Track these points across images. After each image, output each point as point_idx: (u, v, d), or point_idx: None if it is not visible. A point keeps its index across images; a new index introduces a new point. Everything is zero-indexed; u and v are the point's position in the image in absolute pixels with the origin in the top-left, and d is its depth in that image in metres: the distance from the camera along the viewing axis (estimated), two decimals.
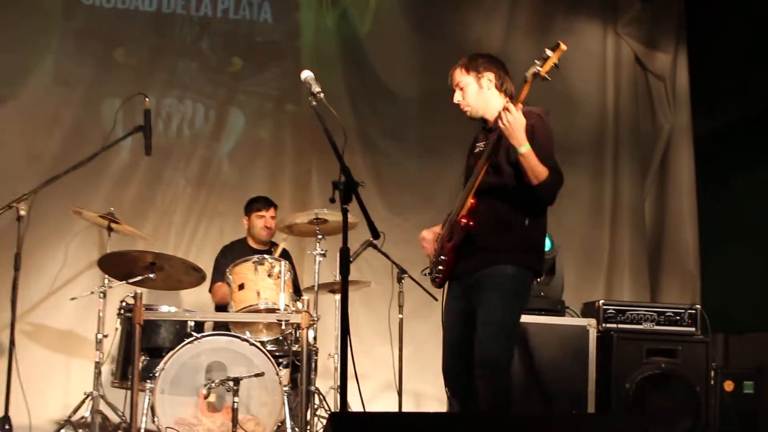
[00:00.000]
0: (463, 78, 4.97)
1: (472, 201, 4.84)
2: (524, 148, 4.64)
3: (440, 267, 4.98)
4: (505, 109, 4.64)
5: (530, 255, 4.88)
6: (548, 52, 4.61)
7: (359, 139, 8.66)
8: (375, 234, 4.47)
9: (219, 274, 7.00)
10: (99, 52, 8.39)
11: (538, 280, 5.49)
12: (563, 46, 4.63)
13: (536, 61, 4.63)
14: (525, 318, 6.49)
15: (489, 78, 4.92)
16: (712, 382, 6.50)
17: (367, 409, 6.48)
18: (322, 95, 4.79)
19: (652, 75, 9.47)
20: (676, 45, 9.44)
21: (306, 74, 4.86)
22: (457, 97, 5.02)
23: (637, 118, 9.34)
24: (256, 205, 7.30)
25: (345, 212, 4.42)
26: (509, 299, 4.79)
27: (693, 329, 6.64)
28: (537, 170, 4.65)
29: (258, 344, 5.90)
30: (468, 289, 4.88)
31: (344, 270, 4.37)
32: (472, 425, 4.02)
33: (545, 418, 4.83)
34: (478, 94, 4.94)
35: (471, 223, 4.81)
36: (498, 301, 4.77)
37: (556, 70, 4.65)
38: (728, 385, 6.84)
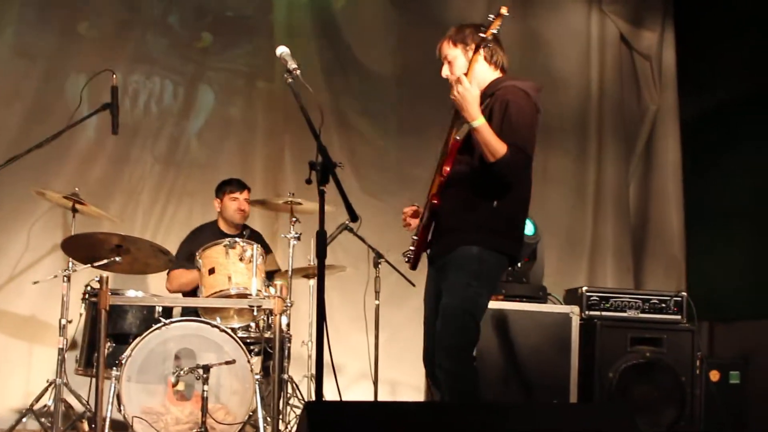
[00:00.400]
0: (450, 51, 4.92)
1: (441, 179, 4.84)
2: (477, 122, 4.61)
3: (411, 247, 5.01)
4: (457, 80, 4.66)
5: (499, 237, 4.79)
6: (491, 17, 4.64)
7: (334, 118, 8.66)
8: (353, 217, 4.47)
9: (181, 258, 6.98)
10: (62, 24, 8.31)
11: (518, 266, 5.47)
12: (503, 11, 4.63)
13: (482, 28, 4.69)
14: (505, 305, 6.54)
15: (470, 49, 4.85)
16: (698, 372, 6.54)
17: (342, 399, 6.51)
18: (298, 72, 4.78)
19: (637, 54, 9.52)
20: (663, 23, 9.48)
21: (281, 50, 4.85)
22: (445, 72, 4.96)
23: (622, 98, 9.38)
24: (229, 187, 7.26)
25: (322, 194, 4.42)
26: (471, 280, 4.72)
27: (679, 317, 6.68)
28: (492, 146, 4.58)
29: (229, 331, 5.90)
30: (439, 272, 4.88)
31: (321, 254, 4.37)
32: (449, 414, 4.03)
33: (526, 407, 4.85)
34: (467, 67, 4.82)
35: (435, 201, 4.83)
36: (460, 281, 4.73)
37: (497, 32, 4.68)
38: (714, 375, 6.90)
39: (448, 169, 4.81)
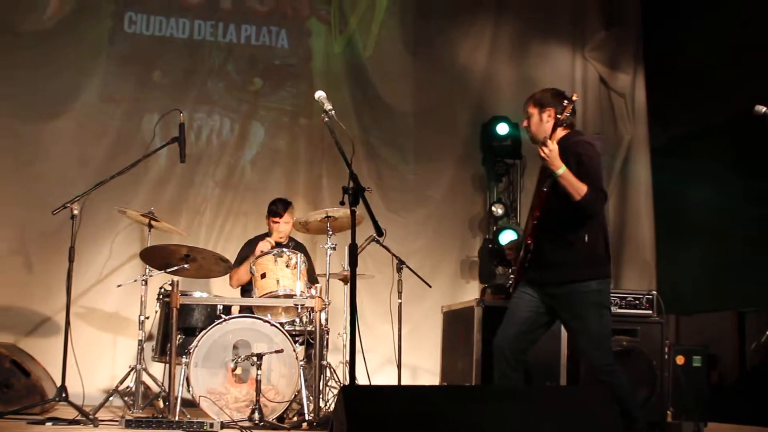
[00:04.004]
0: (530, 110, 5.03)
1: (533, 222, 4.92)
2: (561, 170, 4.73)
3: (512, 275, 5.15)
4: (544, 143, 4.76)
5: (602, 265, 4.95)
6: (565, 102, 4.81)
7: (364, 149, 8.67)
8: (379, 232, 4.50)
9: (237, 261, 7.00)
10: (139, 74, 8.43)
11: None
12: (575, 97, 4.86)
13: (558, 110, 4.85)
14: (507, 303, 6.51)
15: (549, 113, 4.96)
16: (666, 357, 6.51)
17: (371, 382, 6.52)
18: (332, 112, 4.83)
19: (614, 93, 9.48)
20: (635, 67, 9.46)
21: (319, 94, 4.90)
22: (524, 124, 5.07)
23: (602, 129, 9.33)
24: (272, 209, 7.08)
25: (353, 213, 4.46)
26: (601, 309, 4.88)
27: (650, 312, 6.61)
28: (576, 187, 4.71)
29: (277, 325, 5.90)
30: (551, 298, 4.95)
31: (353, 263, 4.40)
32: (461, 396, 4.05)
33: (524, 389, 4.85)
34: (539, 125, 4.98)
35: (529, 241, 4.92)
36: (593, 314, 4.86)
37: (570, 116, 4.81)
38: (680, 359, 6.85)
39: (537, 213, 4.90)
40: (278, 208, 7.05)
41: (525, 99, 5.11)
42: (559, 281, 4.88)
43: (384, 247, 6.91)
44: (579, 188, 4.70)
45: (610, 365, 4.87)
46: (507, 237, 8.45)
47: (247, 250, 7.05)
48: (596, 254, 4.90)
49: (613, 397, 4.12)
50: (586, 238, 4.85)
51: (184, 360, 5.84)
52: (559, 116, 4.79)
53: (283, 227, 7.02)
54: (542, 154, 4.77)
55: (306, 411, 5.73)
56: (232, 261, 6.78)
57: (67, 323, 5.82)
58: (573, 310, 4.88)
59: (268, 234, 7.23)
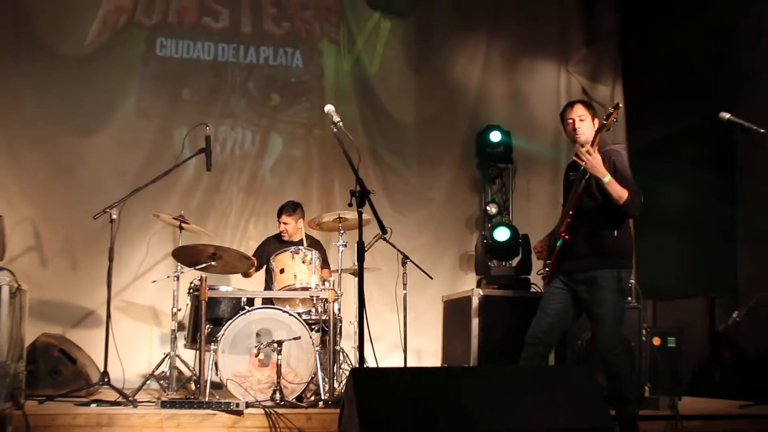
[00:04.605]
0: (585, 113, 5.01)
1: (568, 220, 4.97)
2: (607, 177, 4.78)
3: (546, 269, 5.16)
4: (587, 151, 4.78)
5: (627, 258, 5.01)
6: (610, 110, 4.77)
7: (370, 156, 8.72)
8: (383, 230, 4.55)
9: (255, 256, 7.11)
10: (170, 92, 8.48)
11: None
12: (621, 105, 4.85)
13: (603, 117, 4.81)
14: (499, 292, 6.54)
15: (596, 120, 5.00)
16: (644, 339, 6.53)
17: (379, 365, 6.54)
18: (341, 124, 4.86)
19: (595, 103, 9.46)
20: (614, 79, 9.44)
21: (328, 108, 4.93)
22: (579, 124, 5.00)
23: None
24: (279, 211, 7.24)
25: (360, 214, 4.51)
26: (618, 297, 4.92)
27: (629, 298, 6.63)
28: (619, 193, 4.77)
29: (295, 315, 5.93)
30: (578, 284, 4.99)
31: (360, 258, 4.45)
32: (458, 376, 4.09)
33: (515, 369, 4.89)
34: (592, 128, 4.97)
35: (566, 236, 4.97)
36: (611, 299, 4.90)
37: (615, 122, 4.82)
38: (656, 341, 6.85)
39: (572, 212, 4.96)
40: (282, 209, 7.20)
41: (571, 103, 5.10)
42: (588, 268, 4.93)
43: (390, 243, 6.93)
44: (622, 193, 4.78)
45: (617, 347, 4.90)
46: (501, 233, 8.46)
47: (263, 248, 7.19)
48: (623, 247, 4.96)
49: (592, 374, 4.16)
50: (616, 233, 4.91)
51: (212, 347, 5.87)
52: (605, 122, 4.80)
53: (282, 226, 7.11)
54: (585, 158, 4.79)
55: (322, 391, 5.77)
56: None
57: (108, 315, 5.87)
58: (594, 293, 4.91)
59: (281, 234, 7.27)
